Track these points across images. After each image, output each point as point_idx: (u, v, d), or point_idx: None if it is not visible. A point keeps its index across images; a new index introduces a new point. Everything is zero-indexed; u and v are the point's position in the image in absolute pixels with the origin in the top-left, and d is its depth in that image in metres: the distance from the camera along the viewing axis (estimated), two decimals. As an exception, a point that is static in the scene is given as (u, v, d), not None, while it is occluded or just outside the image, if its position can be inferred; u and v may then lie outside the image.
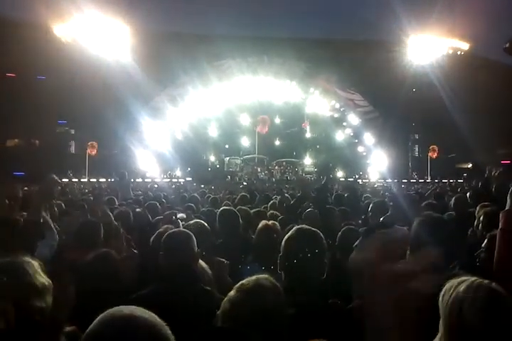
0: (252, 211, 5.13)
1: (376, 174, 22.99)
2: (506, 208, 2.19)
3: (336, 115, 26.67)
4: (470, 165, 23.30)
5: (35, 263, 1.74)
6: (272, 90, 26.54)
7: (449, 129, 24.84)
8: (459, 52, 20.52)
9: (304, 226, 2.33)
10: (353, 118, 26.14)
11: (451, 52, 20.36)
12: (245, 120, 28.00)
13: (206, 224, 3.87)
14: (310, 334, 1.69)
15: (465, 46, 20.53)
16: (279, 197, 7.13)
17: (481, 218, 3.34)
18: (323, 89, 25.78)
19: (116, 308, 1.18)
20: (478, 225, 3.60)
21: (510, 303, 1.47)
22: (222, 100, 26.48)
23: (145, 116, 21.92)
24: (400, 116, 21.42)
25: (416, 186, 15.31)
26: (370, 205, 4.85)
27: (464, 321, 1.47)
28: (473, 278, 1.54)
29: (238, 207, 5.11)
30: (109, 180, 18.93)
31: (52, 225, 3.85)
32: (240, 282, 1.78)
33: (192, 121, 26.36)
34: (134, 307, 1.19)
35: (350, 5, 21.03)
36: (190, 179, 18.84)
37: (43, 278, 1.68)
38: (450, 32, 19.98)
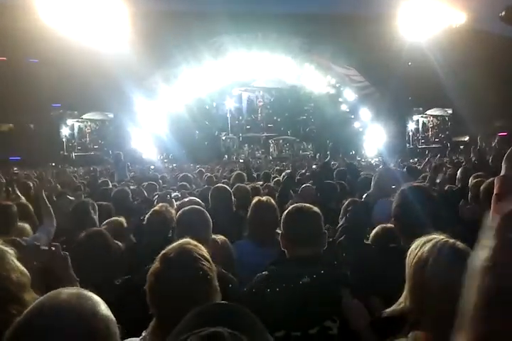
0: (248, 187, 5.14)
1: (373, 150, 22.96)
2: (501, 173, 2.19)
3: (332, 91, 26.45)
4: (467, 138, 23.28)
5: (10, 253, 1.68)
6: (267, 66, 26.26)
7: (446, 103, 24.79)
8: (455, 24, 20.23)
9: (302, 205, 2.39)
10: (349, 94, 25.95)
11: (447, 24, 20.07)
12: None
13: (200, 202, 3.88)
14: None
15: (462, 17, 20.22)
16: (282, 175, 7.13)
17: (479, 189, 3.35)
18: (318, 65, 25.51)
19: (55, 293, 1.15)
20: (473, 196, 3.60)
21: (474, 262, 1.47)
22: (217, 78, 26.24)
23: (139, 97, 21.74)
24: (396, 91, 21.26)
25: (412, 160, 15.33)
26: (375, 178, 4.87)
27: (426, 279, 1.49)
28: (439, 238, 1.55)
29: (236, 185, 5.11)
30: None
31: (51, 211, 3.87)
32: (163, 251, 1.69)
33: (187, 101, 26.17)
34: (74, 292, 1.16)
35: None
36: (186, 159, 18.76)
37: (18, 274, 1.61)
38: (445, 3, 19.66)
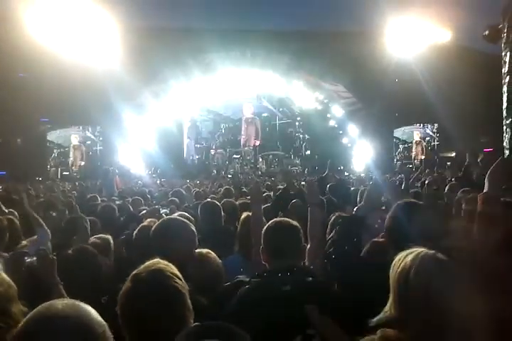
0: (237, 202, 5.15)
1: (361, 165, 23.11)
2: (484, 191, 2.24)
3: (320, 107, 26.69)
4: (453, 154, 23.55)
5: None
6: (256, 83, 26.49)
7: (432, 119, 25.10)
8: (440, 42, 20.60)
9: (281, 219, 2.45)
10: (337, 110, 26.19)
11: (433, 41, 20.43)
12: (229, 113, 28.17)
13: (190, 217, 3.87)
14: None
15: (447, 35, 20.62)
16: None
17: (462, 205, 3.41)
18: (307, 81, 25.77)
19: (49, 304, 1.17)
20: (457, 212, 3.66)
21: (454, 272, 1.55)
22: (206, 94, 26.41)
23: (128, 112, 21.74)
24: (382, 107, 21.51)
25: (400, 176, 15.41)
26: (360, 194, 4.91)
27: (409, 289, 1.56)
28: (421, 249, 1.63)
29: (224, 200, 5.12)
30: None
31: (42, 222, 3.86)
32: (134, 271, 1.66)
33: (176, 116, 26.24)
34: (69, 302, 1.19)
35: (331, -4, 20.98)
36: (174, 174, 18.73)
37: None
38: (431, 21, 20.04)
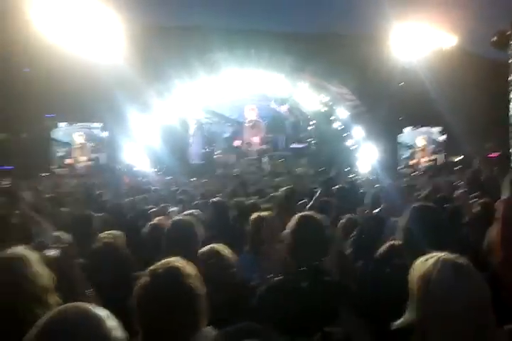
0: (246, 203, 5.17)
1: (366, 167, 23.10)
2: (503, 197, 2.25)
3: (324, 109, 26.70)
4: (459, 159, 23.52)
5: (34, 257, 1.70)
6: (261, 84, 26.49)
7: (437, 122, 25.10)
8: (446, 46, 20.62)
9: (306, 213, 2.41)
10: (342, 112, 26.18)
11: (438, 45, 20.45)
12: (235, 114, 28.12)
13: (199, 216, 3.90)
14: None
15: (453, 40, 20.63)
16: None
17: (478, 209, 3.42)
18: (311, 83, 25.78)
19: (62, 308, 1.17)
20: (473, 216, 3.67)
21: (475, 276, 1.55)
22: (211, 94, 26.41)
23: (132, 109, 21.76)
24: (387, 111, 21.51)
25: (405, 179, 15.45)
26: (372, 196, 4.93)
27: (430, 294, 1.55)
28: (441, 254, 1.63)
29: (233, 200, 5.15)
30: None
31: (39, 221, 3.85)
32: (152, 267, 1.70)
33: (180, 115, 26.26)
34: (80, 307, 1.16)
35: (337, -1, 21.02)
36: (179, 172, 18.72)
37: (43, 278, 1.63)
38: (438, 25, 20.05)
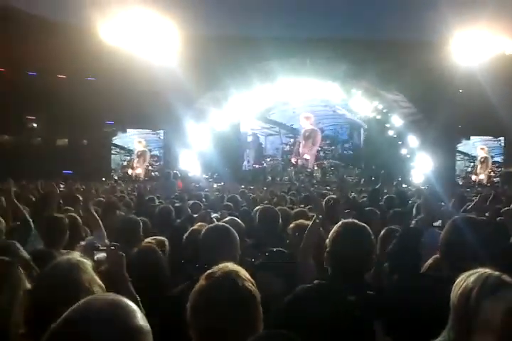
0: (293, 211, 5.17)
1: (420, 177, 22.47)
2: None
3: (379, 116, 26.23)
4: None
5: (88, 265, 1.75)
6: (314, 91, 26.42)
7: (498, 132, 24.06)
8: (508, 52, 19.80)
9: (352, 221, 2.34)
10: (397, 120, 25.61)
11: (499, 51, 19.68)
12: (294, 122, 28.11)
13: (240, 222, 3.90)
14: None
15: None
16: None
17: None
18: (365, 90, 25.42)
19: (89, 299, 1.14)
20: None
21: None
22: (266, 101, 26.59)
23: (189, 118, 22.30)
24: (445, 119, 20.84)
25: (461, 189, 14.93)
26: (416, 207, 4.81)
27: (471, 311, 1.48)
28: (484, 270, 1.55)
29: (278, 207, 5.16)
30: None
31: (100, 223, 3.99)
32: (209, 271, 1.69)
33: (234, 122, 26.57)
34: (109, 299, 1.13)
35: (393, 4, 20.64)
36: (230, 179, 18.95)
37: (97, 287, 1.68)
38: (499, 31, 19.32)
